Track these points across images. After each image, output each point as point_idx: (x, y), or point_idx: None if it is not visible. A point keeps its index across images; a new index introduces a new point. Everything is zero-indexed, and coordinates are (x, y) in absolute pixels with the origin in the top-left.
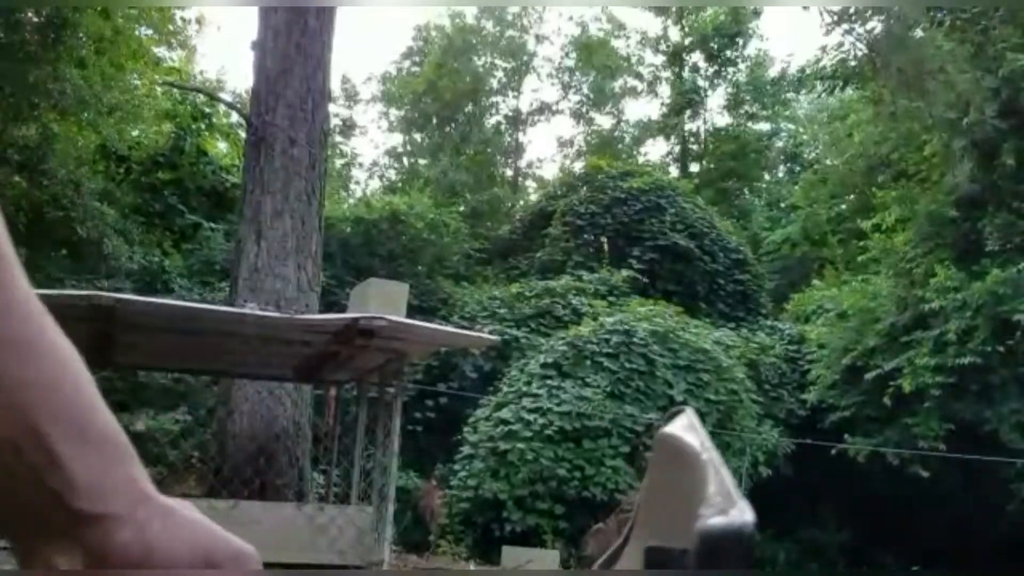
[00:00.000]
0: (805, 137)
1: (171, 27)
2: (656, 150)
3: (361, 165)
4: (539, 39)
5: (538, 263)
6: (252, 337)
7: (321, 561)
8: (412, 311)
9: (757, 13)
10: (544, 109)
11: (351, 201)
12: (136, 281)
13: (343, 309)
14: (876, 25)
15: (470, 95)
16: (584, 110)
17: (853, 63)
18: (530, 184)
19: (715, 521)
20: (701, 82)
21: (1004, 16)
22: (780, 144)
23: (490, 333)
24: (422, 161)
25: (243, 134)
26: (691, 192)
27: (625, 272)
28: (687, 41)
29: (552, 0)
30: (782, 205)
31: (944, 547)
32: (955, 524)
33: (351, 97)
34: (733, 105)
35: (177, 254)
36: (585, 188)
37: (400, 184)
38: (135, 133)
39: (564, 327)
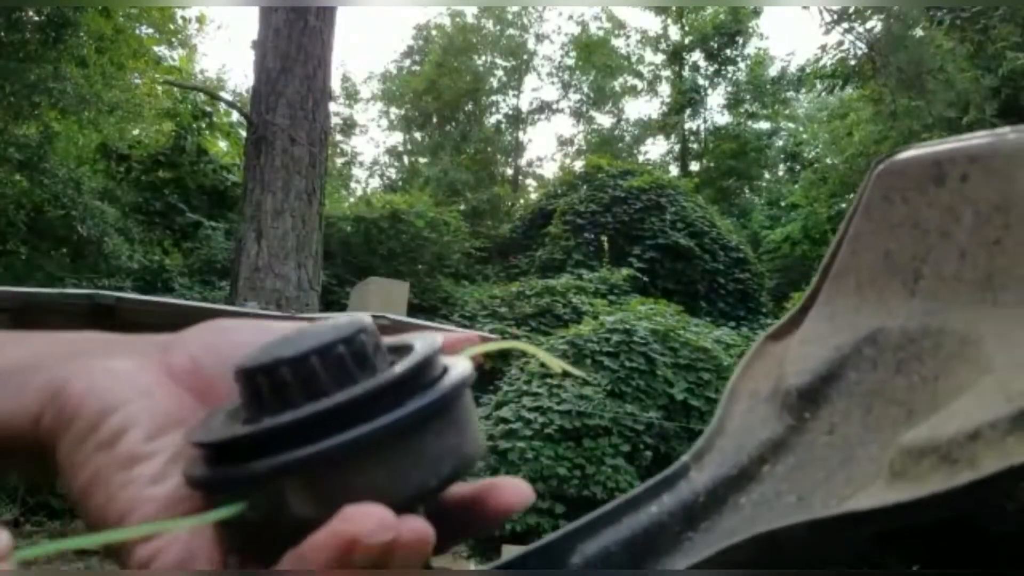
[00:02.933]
0: (805, 136)
1: (172, 26)
2: (656, 149)
3: (361, 164)
4: (539, 38)
5: (538, 262)
6: None
7: None
8: (412, 310)
9: (757, 12)
10: (544, 108)
11: (351, 200)
12: (136, 280)
13: (343, 308)
14: (876, 24)
15: (470, 94)
16: (584, 109)
17: (853, 62)
18: (530, 183)
19: None
20: (701, 81)
21: (1004, 15)
22: (780, 143)
23: (490, 332)
24: (422, 160)
25: (244, 133)
26: (691, 191)
27: (625, 271)
28: (687, 40)
29: (552, 0)
30: (782, 204)
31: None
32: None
33: (351, 96)
34: (733, 104)
35: (178, 253)
36: (585, 187)
37: (400, 183)
38: (136, 132)
39: (564, 326)
